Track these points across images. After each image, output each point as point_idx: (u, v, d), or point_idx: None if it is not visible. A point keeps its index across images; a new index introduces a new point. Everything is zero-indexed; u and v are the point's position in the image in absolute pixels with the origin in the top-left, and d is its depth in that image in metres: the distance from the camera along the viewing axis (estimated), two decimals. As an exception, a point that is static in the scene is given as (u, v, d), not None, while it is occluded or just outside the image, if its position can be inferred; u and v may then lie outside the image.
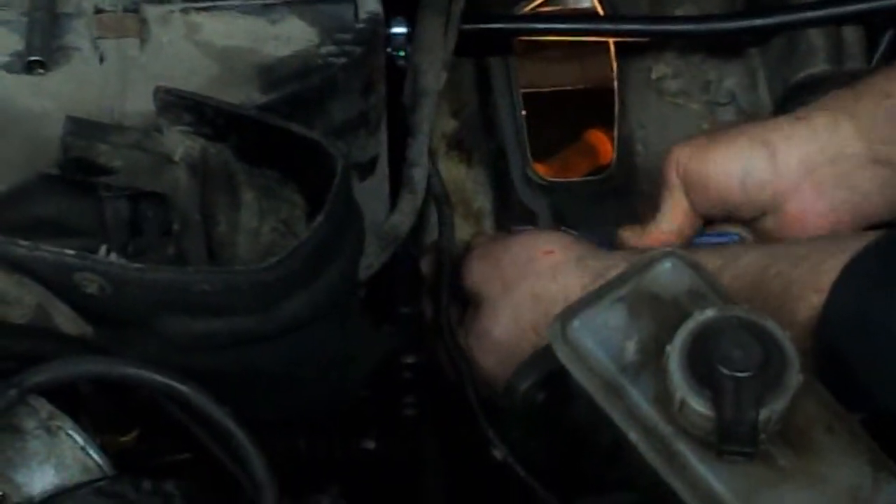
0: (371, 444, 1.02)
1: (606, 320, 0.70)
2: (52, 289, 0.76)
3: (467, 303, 0.97)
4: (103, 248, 0.78)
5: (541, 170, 1.11)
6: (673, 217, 0.96)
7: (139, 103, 0.83)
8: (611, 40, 1.13)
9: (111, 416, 0.80)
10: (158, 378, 0.74)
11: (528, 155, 1.10)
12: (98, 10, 0.85)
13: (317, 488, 0.82)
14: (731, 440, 0.64)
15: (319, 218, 0.76)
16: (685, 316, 0.66)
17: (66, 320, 0.76)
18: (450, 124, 1.13)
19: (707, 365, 0.65)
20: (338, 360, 0.87)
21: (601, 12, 1.13)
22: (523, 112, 1.11)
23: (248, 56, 0.85)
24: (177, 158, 0.79)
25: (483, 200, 1.11)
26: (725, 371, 0.64)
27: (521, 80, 1.12)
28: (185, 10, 0.86)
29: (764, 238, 0.96)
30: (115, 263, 0.75)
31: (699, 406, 0.65)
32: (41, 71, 0.83)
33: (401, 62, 0.98)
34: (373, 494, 0.95)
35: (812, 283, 0.78)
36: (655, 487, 0.68)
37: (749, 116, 1.12)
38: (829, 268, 0.78)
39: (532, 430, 0.85)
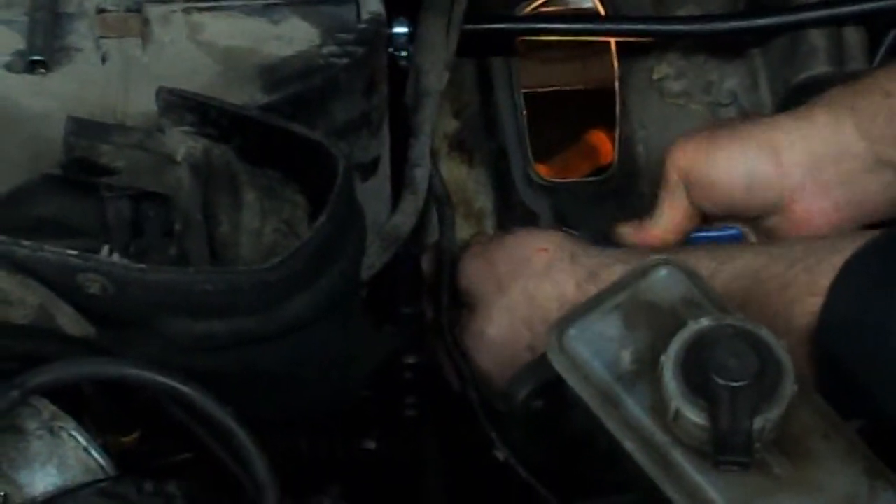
0: (372, 445, 1.02)
1: (602, 329, 0.70)
2: (54, 289, 0.76)
3: (463, 303, 0.98)
4: (105, 249, 0.78)
5: (542, 170, 1.11)
6: (672, 215, 0.96)
7: (141, 103, 0.83)
8: (612, 41, 1.13)
9: (113, 417, 0.80)
10: (161, 379, 0.74)
11: (530, 155, 1.10)
12: (100, 10, 0.85)
13: (318, 488, 0.82)
14: (726, 450, 0.64)
15: (322, 218, 0.76)
16: (680, 325, 0.66)
17: (68, 321, 0.76)
18: (451, 124, 1.13)
19: (702, 374, 0.65)
20: (339, 360, 0.87)
21: (603, 12, 1.13)
22: (524, 112, 1.11)
23: (250, 56, 0.85)
24: (179, 159, 0.79)
25: (484, 201, 1.11)
26: (720, 380, 0.64)
27: (522, 80, 1.12)
28: (187, 10, 0.86)
29: (767, 236, 0.96)
30: (118, 264, 0.75)
31: (694, 416, 0.65)
32: (43, 71, 0.84)
33: (403, 62, 0.98)
34: (374, 495, 0.95)
35: (809, 286, 0.78)
36: (653, 493, 0.68)
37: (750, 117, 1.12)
38: (826, 270, 0.78)
39: (531, 435, 0.85)
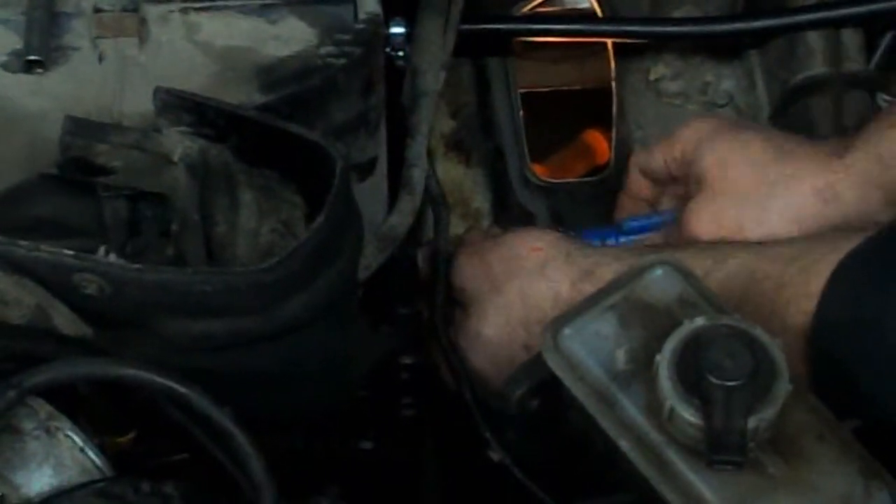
0: (369, 445, 1.02)
1: (597, 329, 0.70)
2: (51, 289, 0.76)
3: (457, 302, 0.98)
4: (102, 249, 0.78)
5: (538, 170, 1.11)
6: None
7: (138, 103, 0.83)
8: (609, 41, 1.13)
9: (109, 417, 0.80)
10: (158, 379, 0.74)
11: (527, 156, 1.10)
12: (97, 10, 0.85)
13: (315, 489, 0.82)
14: (720, 449, 0.64)
15: (319, 219, 0.76)
16: (675, 324, 0.67)
17: (65, 321, 0.76)
18: (448, 125, 1.13)
19: (696, 374, 0.65)
20: (336, 360, 0.87)
21: (600, 13, 1.13)
22: (521, 113, 1.11)
23: (247, 56, 0.85)
24: (176, 159, 0.79)
25: (481, 201, 1.11)
26: (715, 380, 0.64)
27: (519, 80, 1.12)
28: (184, 10, 0.86)
29: None
30: (115, 264, 0.75)
31: (688, 415, 0.65)
32: (40, 70, 0.84)
33: (399, 62, 0.98)
34: (371, 495, 0.95)
35: (804, 286, 0.78)
36: (648, 493, 0.68)
37: (747, 118, 1.12)
38: (821, 269, 0.78)
39: (527, 434, 0.86)
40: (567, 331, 0.70)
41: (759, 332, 0.65)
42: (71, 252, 0.75)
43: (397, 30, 0.96)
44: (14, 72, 0.83)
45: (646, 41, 1.14)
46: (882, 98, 1.09)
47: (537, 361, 0.72)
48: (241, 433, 0.74)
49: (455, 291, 0.97)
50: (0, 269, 0.75)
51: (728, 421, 0.63)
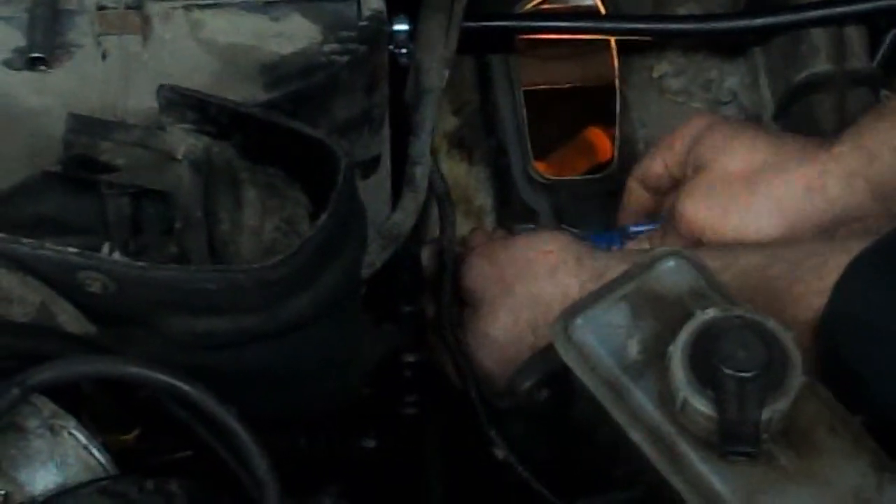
0: (372, 443, 1.02)
1: (609, 319, 0.70)
2: (55, 287, 0.76)
3: (465, 303, 0.97)
4: (106, 247, 0.78)
5: (540, 167, 1.11)
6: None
7: (142, 100, 0.82)
8: (612, 38, 1.13)
9: (113, 415, 0.80)
10: (162, 377, 0.73)
11: (530, 153, 1.10)
12: (100, 7, 0.85)
13: (318, 487, 0.82)
14: (733, 440, 0.64)
15: (324, 217, 0.76)
16: (688, 315, 0.66)
17: (69, 319, 0.76)
18: (451, 122, 1.13)
19: (710, 365, 0.65)
20: (340, 358, 0.87)
21: (603, 10, 1.13)
22: (524, 110, 1.11)
23: (250, 53, 0.85)
24: (179, 156, 0.79)
25: (484, 198, 1.11)
26: (728, 371, 0.64)
27: (522, 77, 1.12)
28: (187, 7, 0.86)
29: None
30: (119, 262, 0.75)
31: (702, 406, 0.65)
32: (43, 68, 0.83)
33: (403, 60, 0.97)
34: (374, 493, 0.95)
35: (814, 285, 0.79)
36: (658, 486, 0.68)
37: (751, 115, 1.12)
38: (831, 269, 0.78)
39: (534, 428, 0.85)
40: (579, 321, 0.70)
41: (772, 324, 0.66)
42: (75, 250, 0.74)
43: (400, 27, 0.96)
44: (17, 69, 0.83)
45: (649, 38, 1.14)
46: (885, 95, 1.09)
47: (547, 352, 0.72)
48: (245, 431, 0.73)
49: (463, 292, 0.97)
50: (4, 266, 0.75)
51: (741, 412, 0.63)
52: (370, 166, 0.92)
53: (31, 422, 0.73)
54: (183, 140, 0.79)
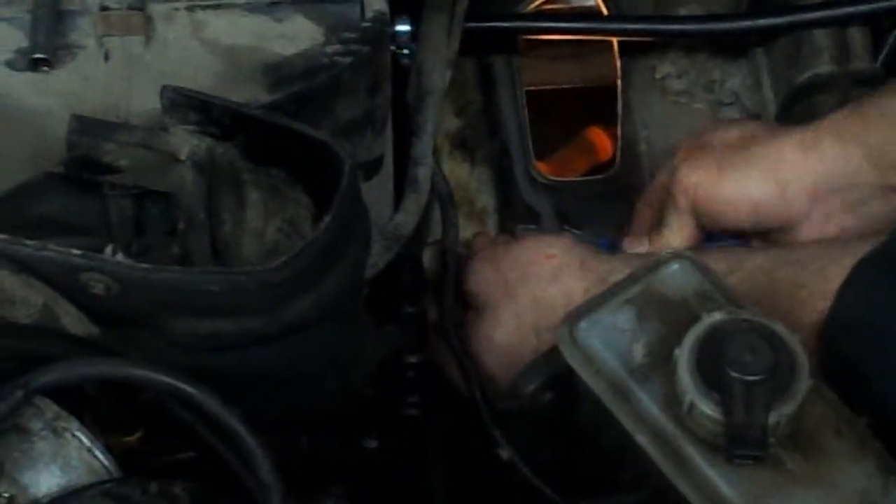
0: (374, 444, 1.02)
1: (614, 322, 0.70)
2: (58, 289, 0.76)
3: (468, 306, 0.97)
4: (109, 248, 0.78)
5: (540, 167, 1.11)
6: (679, 236, 0.97)
7: (144, 101, 0.82)
8: (614, 39, 1.12)
9: (116, 417, 0.80)
10: (165, 379, 0.73)
11: (532, 154, 1.10)
12: (103, 8, 0.84)
13: (320, 488, 0.82)
14: (740, 444, 0.64)
15: (327, 219, 0.76)
16: (694, 318, 0.66)
17: (72, 320, 0.76)
18: (453, 123, 1.13)
19: (716, 368, 0.65)
20: (342, 359, 0.87)
21: (605, 11, 1.13)
22: (526, 111, 1.11)
23: (253, 54, 0.85)
24: (183, 157, 0.79)
25: (486, 199, 1.11)
26: (735, 374, 0.64)
27: (524, 78, 1.12)
28: (190, 8, 0.85)
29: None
30: (123, 263, 0.75)
31: (708, 409, 0.65)
32: (46, 69, 0.83)
33: (404, 61, 0.97)
34: (376, 494, 0.95)
35: (819, 288, 0.79)
36: (664, 489, 0.68)
37: (753, 116, 1.12)
38: (836, 272, 0.78)
39: (538, 430, 0.85)
40: (584, 324, 0.70)
41: (779, 327, 0.65)
42: (78, 251, 0.74)
43: (402, 28, 0.96)
44: (20, 70, 0.83)
45: (651, 39, 1.13)
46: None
47: (551, 355, 0.72)
48: (248, 433, 0.73)
49: (467, 295, 0.97)
50: (7, 268, 0.75)
51: (748, 416, 0.63)
52: (373, 167, 0.92)
53: (34, 424, 0.72)
54: (186, 141, 0.79)
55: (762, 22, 1.08)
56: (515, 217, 1.09)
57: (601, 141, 1.20)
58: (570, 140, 1.20)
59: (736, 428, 0.64)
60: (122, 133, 0.78)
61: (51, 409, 0.73)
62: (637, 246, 0.98)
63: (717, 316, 0.66)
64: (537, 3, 1.13)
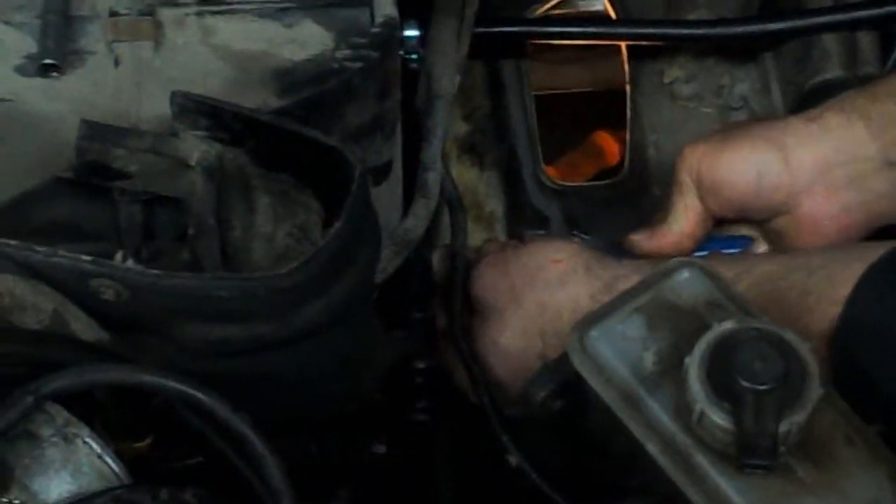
0: (382, 449, 1.02)
1: (624, 330, 0.70)
2: (68, 295, 0.76)
3: (475, 310, 0.97)
4: (119, 254, 0.78)
5: (549, 172, 1.11)
6: (685, 219, 0.96)
7: (154, 107, 0.82)
8: (623, 44, 1.12)
9: (126, 423, 0.80)
10: (175, 385, 0.73)
11: (540, 158, 1.10)
12: (113, 13, 0.85)
13: (329, 492, 0.82)
14: (751, 453, 0.64)
15: (338, 224, 0.76)
16: (704, 327, 0.66)
17: (82, 326, 0.76)
18: (462, 128, 1.13)
19: (727, 377, 0.65)
20: (351, 364, 0.87)
21: (613, 16, 1.13)
22: (535, 115, 1.11)
23: (263, 60, 0.85)
24: (192, 163, 0.79)
25: (495, 204, 1.11)
26: (746, 383, 0.64)
27: (532, 82, 1.12)
28: (200, 14, 0.86)
29: (775, 239, 0.96)
30: (133, 269, 0.75)
31: (719, 418, 0.65)
32: (55, 74, 0.83)
33: (413, 65, 0.97)
34: (384, 498, 0.95)
35: (828, 294, 0.78)
36: (673, 498, 0.68)
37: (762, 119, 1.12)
38: (846, 278, 0.78)
39: (547, 437, 0.85)
40: (594, 332, 0.70)
41: (789, 335, 0.65)
42: (88, 257, 0.74)
43: (411, 32, 0.96)
44: (30, 75, 0.83)
45: (660, 44, 1.13)
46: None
47: (561, 362, 0.72)
48: (259, 439, 0.73)
49: (473, 300, 0.97)
50: (17, 273, 0.75)
51: (759, 425, 0.63)
52: (382, 172, 0.92)
53: (44, 430, 0.72)
54: (196, 147, 0.79)
55: (771, 26, 1.08)
56: (524, 221, 1.09)
57: (609, 145, 1.20)
58: (578, 144, 1.20)
59: (746, 437, 0.64)
60: (131, 138, 0.78)
61: (61, 415, 0.73)
62: (641, 239, 0.98)
63: (727, 324, 0.66)
64: (546, 7, 1.13)
